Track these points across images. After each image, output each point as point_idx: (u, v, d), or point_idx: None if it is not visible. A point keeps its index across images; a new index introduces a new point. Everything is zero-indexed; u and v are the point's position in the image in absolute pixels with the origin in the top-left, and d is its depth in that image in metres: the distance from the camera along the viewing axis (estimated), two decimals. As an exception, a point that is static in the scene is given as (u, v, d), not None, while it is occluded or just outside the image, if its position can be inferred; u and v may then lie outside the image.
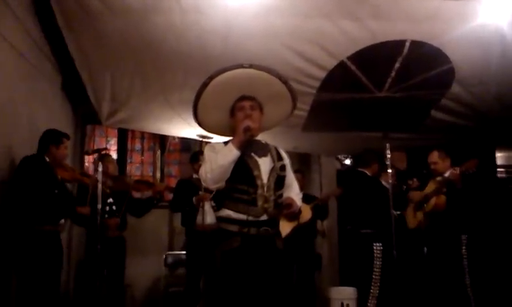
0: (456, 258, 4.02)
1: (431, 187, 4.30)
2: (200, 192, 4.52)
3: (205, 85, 2.42)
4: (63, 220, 3.60)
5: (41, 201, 3.31)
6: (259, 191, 2.39)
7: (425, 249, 4.35)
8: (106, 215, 4.15)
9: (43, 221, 3.35)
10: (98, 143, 6.61)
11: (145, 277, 6.01)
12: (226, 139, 2.53)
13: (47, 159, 3.50)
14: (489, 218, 4.27)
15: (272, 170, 2.46)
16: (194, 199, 4.66)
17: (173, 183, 6.67)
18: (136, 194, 4.54)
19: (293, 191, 2.59)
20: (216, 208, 2.60)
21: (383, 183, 4.51)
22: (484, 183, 4.47)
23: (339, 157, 7.08)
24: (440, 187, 4.15)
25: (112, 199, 4.28)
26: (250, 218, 2.35)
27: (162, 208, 5.05)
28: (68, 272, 4.96)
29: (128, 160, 6.81)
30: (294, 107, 2.66)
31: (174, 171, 6.95)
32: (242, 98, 2.49)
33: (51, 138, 3.56)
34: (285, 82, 2.49)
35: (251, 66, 2.40)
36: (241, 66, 2.40)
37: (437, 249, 4.20)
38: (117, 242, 4.33)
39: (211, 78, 2.40)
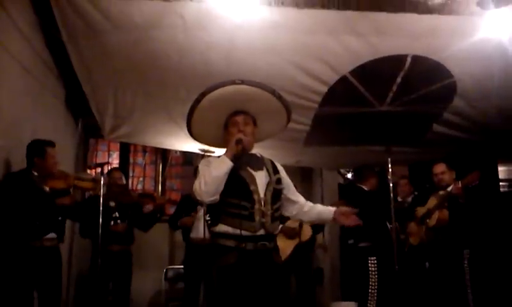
0: (458, 272, 3.97)
1: (432, 201, 4.28)
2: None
3: (197, 101, 2.41)
4: (52, 234, 3.41)
5: (20, 217, 3.18)
6: (256, 206, 2.35)
7: (427, 263, 4.32)
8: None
9: (26, 237, 3.22)
10: (101, 157, 6.64)
11: (146, 291, 5.99)
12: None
13: (35, 173, 3.35)
14: (492, 232, 4.24)
15: (268, 184, 2.44)
16: (178, 222, 4.71)
17: (175, 197, 6.68)
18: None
19: (291, 189, 2.59)
20: (211, 223, 2.56)
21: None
22: (487, 197, 4.46)
23: (341, 171, 7.08)
24: (442, 202, 4.13)
25: (118, 213, 4.27)
26: (247, 233, 2.32)
27: (163, 222, 5.05)
28: (67, 287, 4.91)
29: (131, 174, 6.83)
30: (289, 120, 2.64)
31: (176, 185, 6.95)
32: (235, 113, 2.48)
33: (34, 151, 3.39)
34: (279, 97, 2.47)
35: (243, 83, 2.39)
36: (233, 83, 2.38)
37: (439, 263, 4.16)
38: (123, 255, 4.31)
39: (204, 94, 2.39)
